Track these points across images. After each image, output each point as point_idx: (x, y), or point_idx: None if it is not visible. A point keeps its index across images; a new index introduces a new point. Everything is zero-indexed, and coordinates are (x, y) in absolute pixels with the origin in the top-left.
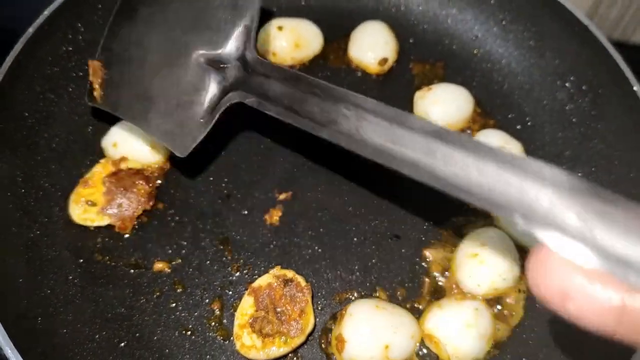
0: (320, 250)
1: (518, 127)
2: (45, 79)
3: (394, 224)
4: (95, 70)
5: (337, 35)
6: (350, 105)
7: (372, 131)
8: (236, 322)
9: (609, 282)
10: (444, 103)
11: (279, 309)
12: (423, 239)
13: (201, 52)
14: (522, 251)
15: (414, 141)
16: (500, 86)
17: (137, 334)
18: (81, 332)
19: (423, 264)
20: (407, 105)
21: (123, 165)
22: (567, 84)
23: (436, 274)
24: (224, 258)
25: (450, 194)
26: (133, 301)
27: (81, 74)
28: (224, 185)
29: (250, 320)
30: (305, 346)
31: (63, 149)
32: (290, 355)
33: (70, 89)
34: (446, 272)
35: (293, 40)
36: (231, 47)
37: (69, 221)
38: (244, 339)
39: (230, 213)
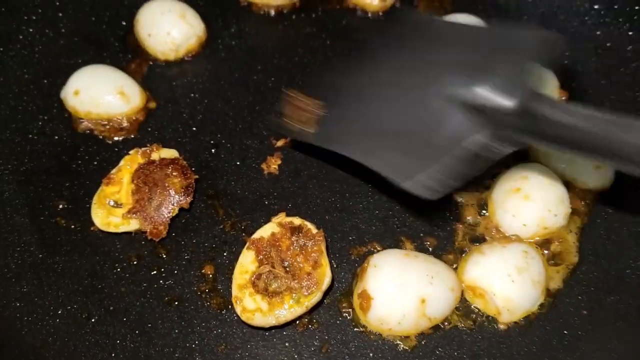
0: (331, 199)
1: None
2: None
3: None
4: (310, 106)
5: None
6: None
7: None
8: (235, 282)
9: None
10: None
11: (287, 262)
12: None
13: (450, 88)
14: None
15: None
16: (517, 15)
17: (111, 308)
18: (39, 305)
19: (454, 208)
20: None
21: (154, 156)
22: None
23: (469, 218)
24: (215, 216)
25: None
26: (104, 270)
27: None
28: (210, 135)
29: (253, 278)
30: (321, 310)
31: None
32: (304, 320)
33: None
34: (482, 216)
35: None
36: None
37: (22, 180)
38: (246, 301)
39: (220, 165)
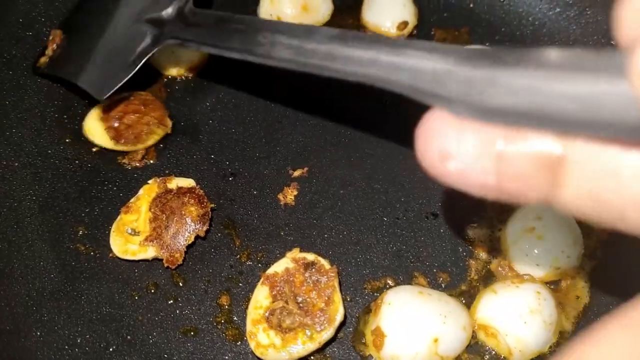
0: (345, 232)
1: None
2: None
3: (430, 200)
4: (54, 39)
5: None
6: (267, 33)
7: (281, 50)
8: (249, 317)
9: (484, 131)
10: None
11: (300, 298)
12: (464, 216)
13: (143, 13)
14: (582, 226)
15: (316, 50)
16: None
17: (129, 337)
18: (59, 334)
19: (466, 245)
20: None
21: (172, 185)
22: None
23: (483, 255)
24: (232, 245)
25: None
26: (123, 298)
27: None
28: (227, 163)
29: (267, 314)
30: (335, 345)
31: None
32: (316, 356)
33: None
34: (494, 253)
35: (300, 4)
36: (171, 7)
37: (43, 204)
38: (260, 337)
39: (237, 194)
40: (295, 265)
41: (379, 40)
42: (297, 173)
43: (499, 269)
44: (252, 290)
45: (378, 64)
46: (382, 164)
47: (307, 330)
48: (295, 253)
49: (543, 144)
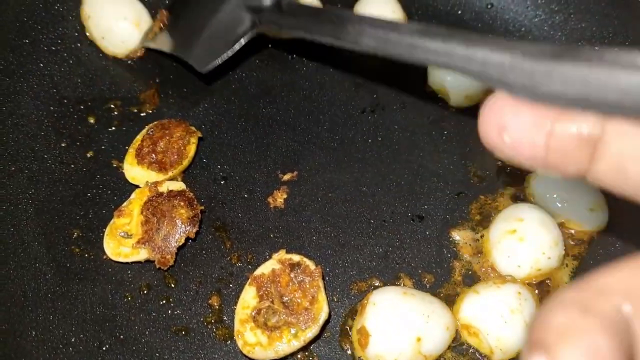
0: (333, 234)
1: None
2: None
3: (415, 203)
4: (161, 18)
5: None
6: (355, 24)
7: (368, 39)
8: (237, 317)
9: (538, 111)
10: None
11: (285, 298)
12: (449, 219)
13: (244, 1)
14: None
15: (400, 41)
16: None
17: (122, 336)
18: (53, 334)
19: (451, 246)
20: (421, 76)
21: (163, 189)
22: None
23: (467, 256)
24: (222, 247)
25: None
26: (116, 299)
27: None
28: (219, 167)
29: (253, 313)
30: (321, 344)
31: None
32: (303, 354)
33: None
34: (478, 255)
35: None
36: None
37: (39, 207)
38: (247, 335)
39: (228, 197)
40: (281, 267)
41: (454, 35)
42: (286, 177)
43: (482, 269)
44: (241, 291)
45: (453, 55)
46: (370, 168)
47: (292, 329)
48: (282, 254)
49: (586, 125)
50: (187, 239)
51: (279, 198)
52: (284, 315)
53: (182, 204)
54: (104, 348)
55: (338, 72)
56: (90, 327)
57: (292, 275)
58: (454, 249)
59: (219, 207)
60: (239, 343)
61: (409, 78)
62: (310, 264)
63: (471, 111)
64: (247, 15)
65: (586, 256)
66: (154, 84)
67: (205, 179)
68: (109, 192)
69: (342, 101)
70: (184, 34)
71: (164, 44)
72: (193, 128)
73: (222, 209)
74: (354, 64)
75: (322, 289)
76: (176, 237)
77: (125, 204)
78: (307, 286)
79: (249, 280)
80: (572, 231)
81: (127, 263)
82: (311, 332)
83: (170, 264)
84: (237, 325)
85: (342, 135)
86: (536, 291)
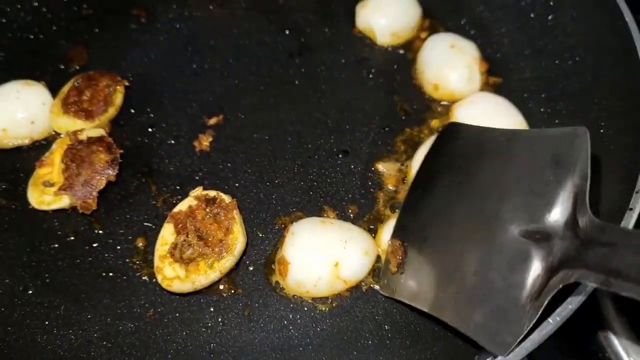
0: (257, 173)
1: (472, 31)
2: None
3: (340, 139)
4: (395, 250)
5: None
6: None
7: None
8: (156, 254)
9: None
10: (388, 11)
11: (202, 231)
12: (374, 152)
13: (518, 223)
14: None
15: None
16: None
17: (47, 280)
18: None
19: (375, 178)
20: (349, 18)
21: (82, 137)
22: None
23: (391, 187)
24: (148, 191)
25: None
26: (43, 246)
27: None
28: (146, 116)
29: (171, 248)
30: (245, 277)
31: None
32: (227, 287)
33: None
34: (403, 183)
35: None
36: (556, 214)
37: None
38: (166, 270)
39: (155, 144)
40: (197, 203)
41: None
42: (212, 121)
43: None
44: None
45: None
46: (296, 107)
47: (208, 260)
48: (199, 191)
49: None
50: (109, 183)
51: (205, 141)
52: (198, 247)
53: (100, 149)
54: (29, 291)
55: (264, 18)
56: (16, 272)
57: (207, 210)
58: (379, 180)
59: (145, 154)
60: (159, 278)
61: (337, 21)
62: (226, 198)
63: (397, 49)
64: (534, 252)
65: None
66: (81, 40)
67: (132, 127)
68: (37, 144)
69: (269, 46)
70: (430, 280)
71: (405, 292)
72: (119, 78)
73: (148, 155)
74: (281, 9)
75: (238, 221)
76: (96, 182)
77: (46, 154)
78: (222, 219)
79: (168, 217)
80: None
81: (54, 212)
82: (227, 261)
83: (93, 208)
84: (156, 262)
85: (268, 78)
86: None
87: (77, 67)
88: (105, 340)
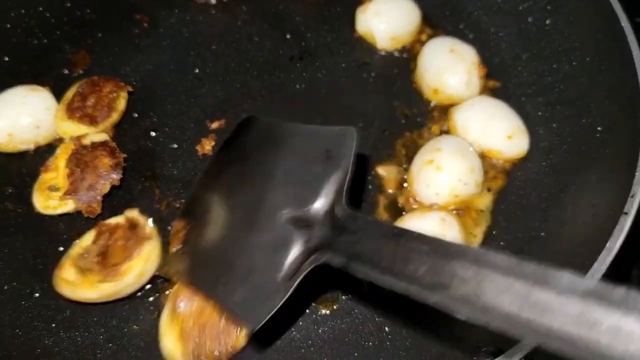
0: None
1: (471, 35)
2: None
3: None
4: (177, 232)
5: None
6: (468, 263)
7: (499, 295)
8: (70, 251)
9: None
10: (387, 16)
11: (107, 250)
12: (374, 156)
13: (285, 210)
14: (482, 157)
15: (564, 307)
16: None
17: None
18: None
19: (376, 182)
20: (350, 23)
21: (86, 142)
22: None
23: (391, 191)
24: (152, 195)
25: None
26: (49, 249)
27: None
28: (149, 120)
29: (80, 253)
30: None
31: None
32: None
33: None
34: (403, 188)
35: None
36: (319, 204)
37: None
38: (65, 271)
39: (158, 148)
40: (124, 223)
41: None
42: (214, 125)
43: (407, 202)
44: (166, 235)
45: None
46: (298, 112)
47: (95, 277)
48: (133, 213)
49: None
50: (114, 187)
51: (207, 145)
52: (92, 264)
53: (104, 153)
54: (36, 294)
55: (266, 23)
56: (23, 276)
57: (127, 233)
58: (379, 184)
59: (149, 158)
60: (55, 274)
61: (337, 25)
62: (148, 229)
63: (398, 53)
64: (296, 238)
65: (505, 183)
66: (84, 44)
67: (136, 132)
68: (41, 149)
69: (270, 51)
70: (211, 266)
71: (189, 277)
72: (122, 83)
73: (152, 160)
74: (282, 14)
75: (143, 256)
76: (101, 186)
77: (51, 159)
78: (130, 247)
79: (98, 225)
80: (494, 161)
81: (60, 216)
82: (109, 287)
83: (98, 212)
84: (63, 259)
85: (269, 83)
86: (461, 217)
87: (81, 72)
88: (111, 342)
